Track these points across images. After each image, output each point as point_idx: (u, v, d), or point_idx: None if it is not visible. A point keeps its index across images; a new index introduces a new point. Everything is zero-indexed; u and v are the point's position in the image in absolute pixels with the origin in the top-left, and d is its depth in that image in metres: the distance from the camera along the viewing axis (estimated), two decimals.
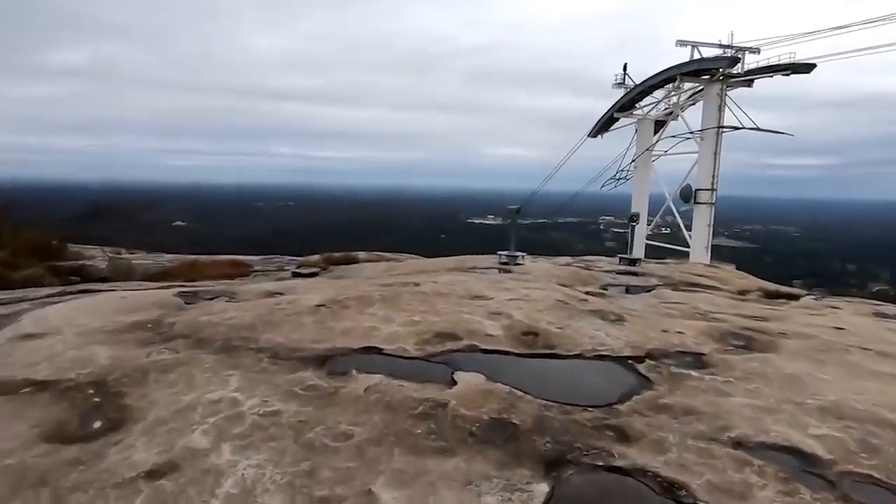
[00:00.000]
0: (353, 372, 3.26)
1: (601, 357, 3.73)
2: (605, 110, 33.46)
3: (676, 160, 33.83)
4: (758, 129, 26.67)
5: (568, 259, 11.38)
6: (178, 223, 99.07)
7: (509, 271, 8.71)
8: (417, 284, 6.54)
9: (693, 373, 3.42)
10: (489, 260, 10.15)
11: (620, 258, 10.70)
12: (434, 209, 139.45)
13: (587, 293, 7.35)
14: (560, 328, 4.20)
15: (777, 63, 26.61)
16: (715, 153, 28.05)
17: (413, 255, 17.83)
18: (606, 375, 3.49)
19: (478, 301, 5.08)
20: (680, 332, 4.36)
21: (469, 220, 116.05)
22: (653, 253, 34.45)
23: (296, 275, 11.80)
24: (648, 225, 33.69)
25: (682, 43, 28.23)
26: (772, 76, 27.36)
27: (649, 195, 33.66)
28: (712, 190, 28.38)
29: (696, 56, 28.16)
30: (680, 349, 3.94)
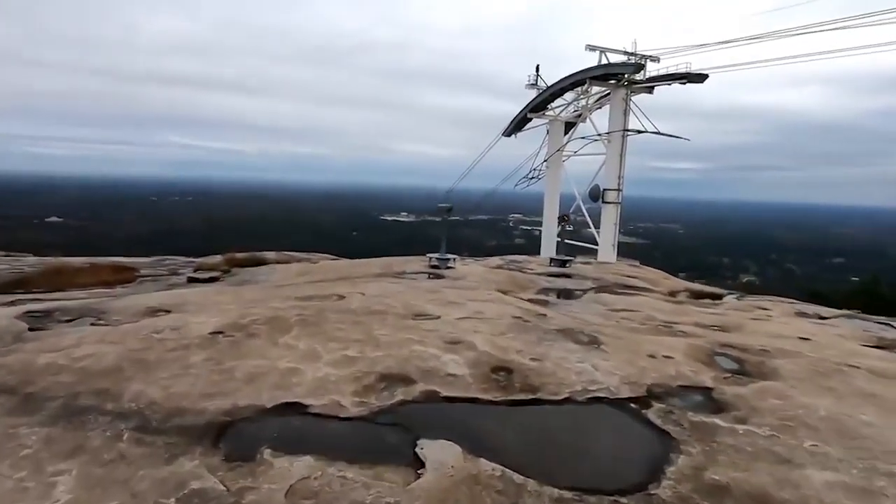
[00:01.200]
0: (266, 454, 2.13)
1: (597, 399, 2.86)
2: (518, 111, 33.60)
3: (585, 161, 34.80)
4: (659, 133, 27.88)
5: (497, 261, 10.67)
6: (54, 219, 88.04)
7: (442, 276, 7.76)
8: (342, 297, 5.39)
9: (718, 421, 2.64)
10: (416, 263, 9.15)
11: (551, 259, 10.16)
12: (344, 206, 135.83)
13: (531, 300, 6.58)
14: (535, 359, 3.30)
15: (675, 72, 27.92)
16: (621, 154, 28.97)
17: (327, 255, 16.39)
18: (614, 430, 2.62)
19: (424, 322, 4.06)
20: (668, 357, 3.62)
21: (382, 217, 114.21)
22: (564, 251, 35.25)
23: (192, 280, 10.07)
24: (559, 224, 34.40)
25: (591, 48, 28.84)
26: (670, 84, 28.69)
27: (560, 194, 34.31)
28: (618, 190, 29.32)
29: (604, 61, 28.91)
30: (681, 383, 3.18)
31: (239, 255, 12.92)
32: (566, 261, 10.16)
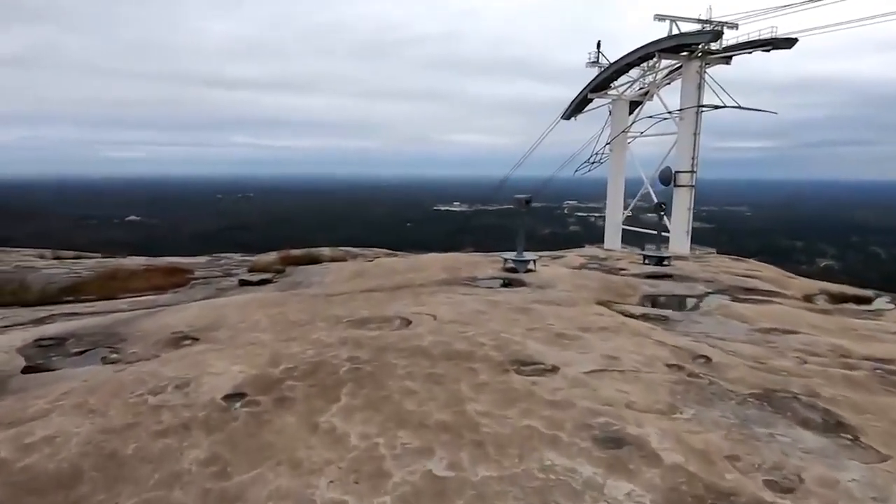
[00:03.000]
0: None
1: None
2: (578, 92, 31.33)
3: (651, 143, 32.17)
4: (740, 107, 25.01)
5: (579, 258, 9.09)
6: (133, 218, 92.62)
7: (523, 282, 6.32)
8: (408, 322, 4.07)
9: None
10: (487, 265, 7.74)
11: (645, 256, 8.49)
12: (397, 197, 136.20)
13: (645, 317, 5.03)
14: (780, 488, 1.80)
15: (758, 38, 24.90)
16: (695, 133, 26.29)
17: (382, 250, 15.26)
18: None
19: (537, 380, 2.64)
20: None
21: (435, 208, 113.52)
22: (631, 239, 32.84)
23: (243, 283, 9.13)
24: (626, 210, 31.99)
25: (660, 17, 26.19)
26: (751, 52, 25.68)
27: (624, 179, 31.90)
28: (692, 172, 26.68)
29: (675, 32, 26.22)
30: None
31: (294, 253, 11.97)
32: (664, 258, 8.45)
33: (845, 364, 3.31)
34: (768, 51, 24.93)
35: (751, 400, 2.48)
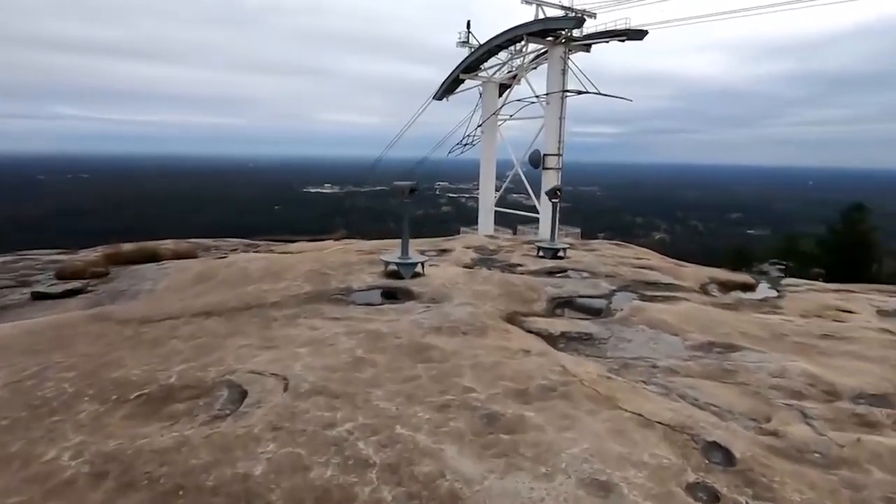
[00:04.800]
0: None
1: None
2: (448, 74, 30.44)
3: (522, 126, 32.51)
4: (600, 93, 25.87)
5: (468, 251, 7.90)
6: None
7: (410, 293, 4.93)
8: (241, 397, 2.41)
9: None
10: (364, 265, 6.21)
11: (539, 248, 7.56)
12: (265, 179, 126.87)
13: (565, 337, 3.94)
14: None
15: (614, 29, 25.86)
16: (560, 118, 26.82)
17: (241, 241, 12.89)
18: None
19: None
20: None
21: (305, 190, 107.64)
22: (502, 220, 33.09)
23: (38, 297, 6.64)
24: (497, 192, 32.09)
25: (527, 0, 26.06)
26: (608, 41, 26.66)
27: (496, 161, 31.91)
28: (559, 155, 27.29)
29: (541, 16, 26.29)
30: None
31: (125, 249, 9.32)
32: (558, 249, 7.59)
33: (863, 420, 2.42)
34: (623, 41, 26.01)
35: None
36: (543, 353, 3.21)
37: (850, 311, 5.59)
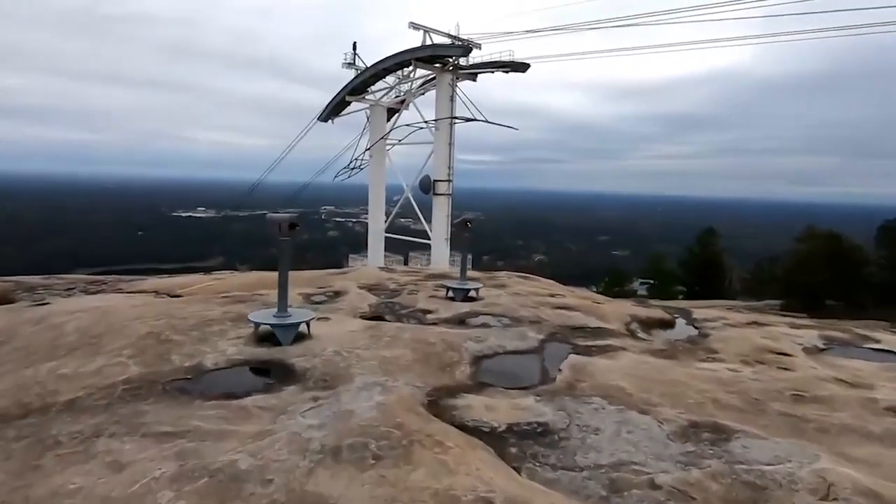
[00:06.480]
0: None
1: None
2: (335, 93, 28.95)
3: (407, 152, 31.81)
4: (488, 121, 26.03)
5: (366, 294, 6.49)
6: None
7: (290, 370, 3.47)
8: None
9: None
10: (227, 324, 4.57)
11: (449, 289, 6.39)
12: (126, 202, 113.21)
13: (506, 429, 2.79)
14: None
15: (499, 60, 26.32)
16: (450, 143, 26.53)
17: (81, 277, 10.17)
18: None
19: None
20: None
21: (175, 214, 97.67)
22: (392, 246, 31.85)
23: None
24: (386, 218, 30.88)
25: (415, 26, 25.57)
26: (493, 72, 27.07)
27: (385, 186, 30.78)
28: (449, 181, 26.91)
29: (428, 42, 25.95)
30: None
31: None
32: (469, 289, 6.51)
33: None
34: (507, 72, 26.57)
35: None
36: (512, 499, 1.98)
37: (786, 354, 5.13)
